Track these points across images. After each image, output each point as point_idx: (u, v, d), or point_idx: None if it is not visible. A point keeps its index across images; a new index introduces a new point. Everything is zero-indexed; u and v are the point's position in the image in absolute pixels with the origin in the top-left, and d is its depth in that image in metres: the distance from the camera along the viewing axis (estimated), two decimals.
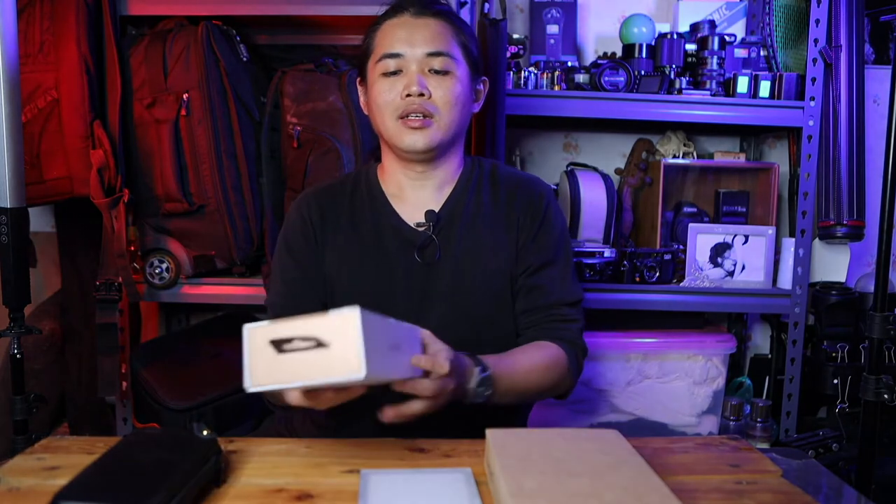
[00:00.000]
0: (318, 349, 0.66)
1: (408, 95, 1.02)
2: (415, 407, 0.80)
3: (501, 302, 1.09)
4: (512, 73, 1.76)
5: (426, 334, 0.83)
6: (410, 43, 1.03)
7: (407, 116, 1.03)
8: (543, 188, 1.15)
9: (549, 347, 1.04)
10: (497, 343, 1.10)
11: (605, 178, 1.87)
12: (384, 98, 1.04)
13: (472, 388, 0.89)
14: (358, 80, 1.14)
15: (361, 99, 1.14)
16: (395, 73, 1.04)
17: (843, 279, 1.87)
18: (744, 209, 1.90)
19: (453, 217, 1.10)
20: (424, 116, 1.03)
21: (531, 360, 1.02)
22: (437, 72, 1.04)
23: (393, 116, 1.04)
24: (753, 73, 1.77)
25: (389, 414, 0.80)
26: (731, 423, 1.79)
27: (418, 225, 1.09)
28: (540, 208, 1.11)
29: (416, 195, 1.11)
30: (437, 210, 1.10)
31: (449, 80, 1.04)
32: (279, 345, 0.67)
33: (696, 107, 1.76)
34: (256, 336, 0.68)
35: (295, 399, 0.76)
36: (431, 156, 1.07)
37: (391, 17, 1.07)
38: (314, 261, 1.09)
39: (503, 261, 1.09)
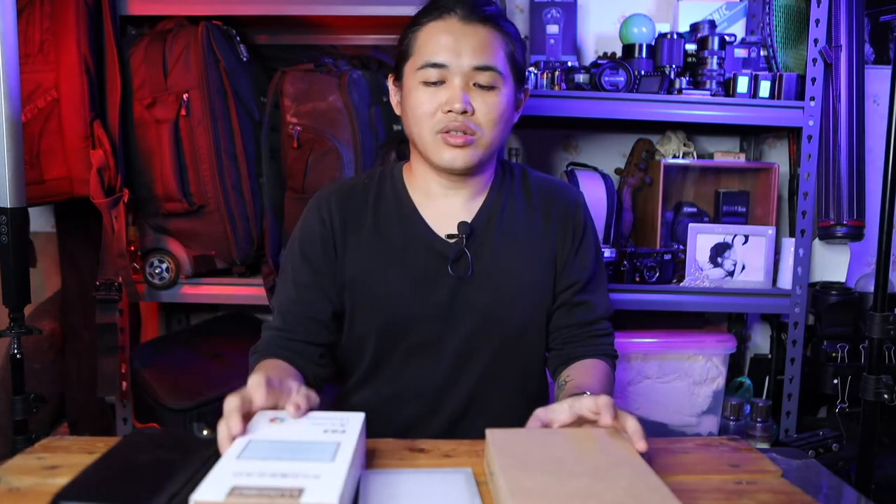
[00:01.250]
0: None
1: (449, 111, 0.96)
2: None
3: (536, 315, 1.07)
4: None
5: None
6: (456, 52, 0.96)
7: (448, 132, 0.98)
8: (578, 196, 1.12)
9: (602, 366, 1.04)
10: (525, 358, 1.08)
11: (605, 178, 1.87)
12: (423, 109, 0.98)
13: None
14: (391, 77, 1.07)
15: (393, 99, 1.07)
16: (436, 83, 0.98)
17: (843, 279, 1.87)
18: (744, 209, 1.90)
19: (487, 229, 1.06)
20: (466, 133, 0.98)
21: (607, 380, 1.03)
22: (481, 86, 0.98)
23: (432, 130, 0.98)
24: (753, 73, 1.77)
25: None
26: (731, 423, 1.79)
27: (449, 236, 1.04)
28: (579, 220, 1.09)
29: (446, 204, 1.06)
30: (469, 220, 1.05)
31: (494, 96, 0.98)
32: None
33: (696, 107, 1.76)
34: None
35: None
36: (470, 173, 1.03)
37: (436, 19, 0.99)
38: (330, 268, 1.05)
39: (539, 273, 1.06)
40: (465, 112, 0.96)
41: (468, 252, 1.03)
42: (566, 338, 1.08)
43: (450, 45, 0.97)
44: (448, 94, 0.97)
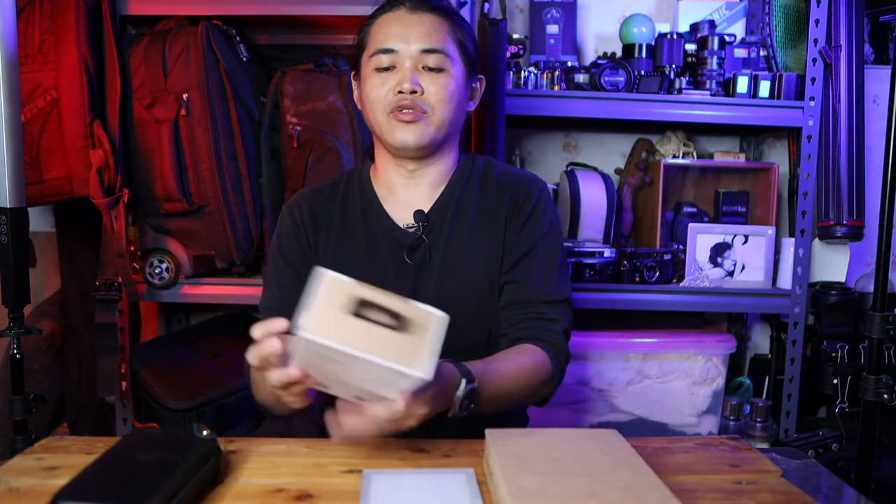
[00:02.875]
0: (393, 331, 0.64)
1: (400, 92, 1.01)
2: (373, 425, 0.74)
3: (488, 304, 1.07)
4: (512, 73, 1.76)
5: None
6: (405, 38, 1.02)
7: (399, 110, 1.02)
8: (535, 185, 1.11)
9: (532, 352, 1.00)
10: (487, 346, 1.08)
11: (605, 178, 1.87)
12: (376, 93, 1.03)
13: (457, 398, 0.83)
14: (352, 73, 1.13)
15: (355, 93, 1.13)
16: (388, 68, 1.03)
17: (842, 279, 1.87)
18: (744, 209, 1.90)
19: (443, 217, 1.08)
20: (416, 111, 1.02)
21: (517, 366, 0.97)
22: (431, 69, 1.02)
23: (384, 112, 1.03)
24: (753, 73, 1.77)
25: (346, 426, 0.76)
26: (731, 423, 1.79)
27: (409, 226, 1.08)
28: (528, 205, 1.09)
29: (407, 195, 1.10)
30: (427, 210, 1.08)
31: (443, 77, 1.03)
32: (359, 306, 0.64)
33: (696, 107, 1.76)
34: (336, 287, 0.64)
35: (277, 378, 0.74)
36: (424, 153, 1.06)
37: (387, 12, 1.06)
38: (307, 263, 1.08)
39: (489, 262, 1.08)
40: (414, 92, 1.01)
41: (426, 239, 1.07)
42: (507, 321, 1.06)
43: (399, 33, 1.03)
44: (399, 77, 1.02)
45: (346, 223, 1.10)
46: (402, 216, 1.09)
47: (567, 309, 1.08)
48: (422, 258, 1.06)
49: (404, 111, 1.02)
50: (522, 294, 1.06)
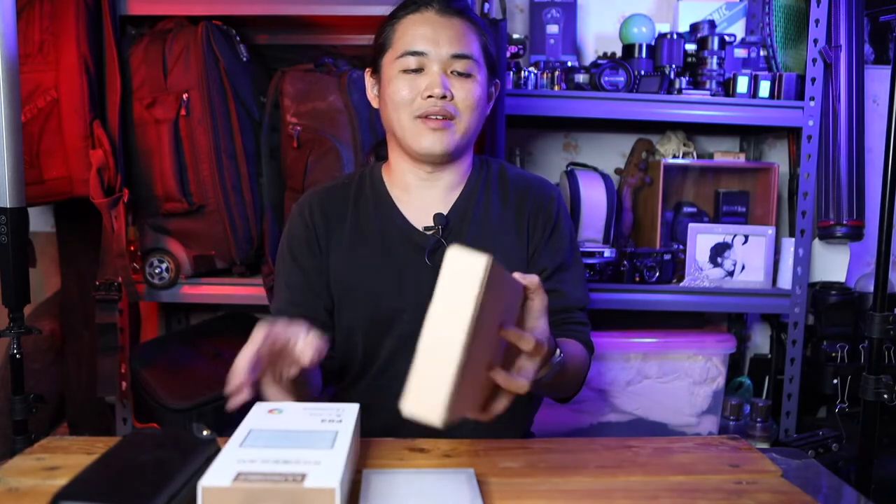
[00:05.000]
0: None
1: (429, 96, 1.00)
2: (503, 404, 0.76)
3: None
4: (512, 73, 1.76)
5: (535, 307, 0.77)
6: (435, 42, 1.01)
7: (427, 117, 1.01)
8: (553, 190, 1.13)
9: (576, 343, 1.03)
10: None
11: (605, 178, 1.87)
12: (402, 96, 1.01)
13: (553, 364, 0.83)
14: (368, 71, 1.11)
15: (370, 92, 1.11)
16: (415, 70, 1.01)
17: (842, 279, 1.87)
18: (744, 209, 1.90)
19: (462, 220, 1.08)
20: (444, 118, 1.01)
21: (579, 356, 1.00)
22: (459, 74, 1.02)
23: (411, 116, 1.01)
24: (753, 73, 1.77)
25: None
26: (731, 423, 1.79)
27: (426, 228, 1.07)
28: (552, 211, 1.10)
29: (423, 196, 1.09)
30: (445, 213, 1.08)
31: (470, 82, 1.02)
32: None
33: (696, 107, 1.76)
34: (220, 499, 0.60)
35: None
36: (447, 159, 1.06)
37: (413, 12, 1.04)
38: (318, 266, 1.08)
39: (513, 264, 1.07)
40: (444, 97, 1.00)
41: (445, 243, 1.06)
42: None
43: (428, 35, 1.01)
44: (427, 81, 1.01)
45: (359, 224, 1.09)
46: (418, 218, 1.08)
47: (588, 313, 1.12)
48: (440, 261, 1.06)
49: (432, 118, 1.01)
50: (558, 301, 1.06)
